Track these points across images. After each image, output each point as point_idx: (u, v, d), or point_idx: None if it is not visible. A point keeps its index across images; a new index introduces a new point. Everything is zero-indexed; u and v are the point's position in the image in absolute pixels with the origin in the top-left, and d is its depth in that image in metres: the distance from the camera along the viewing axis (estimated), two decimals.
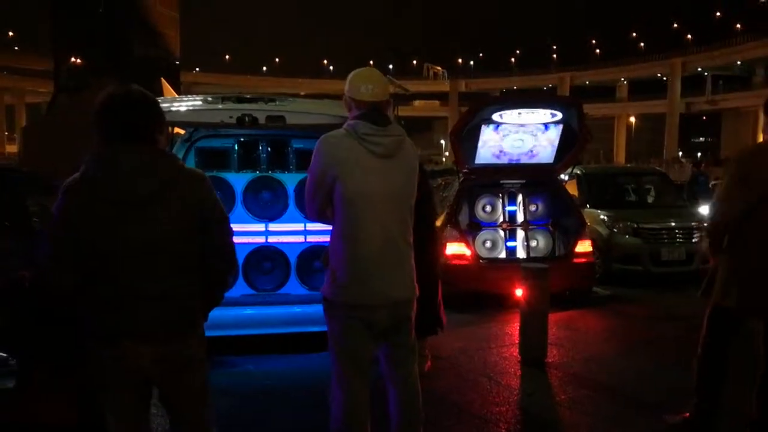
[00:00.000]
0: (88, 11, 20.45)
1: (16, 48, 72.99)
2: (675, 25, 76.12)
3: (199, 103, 4.72)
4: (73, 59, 22.23)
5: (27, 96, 71.36)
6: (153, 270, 2.16)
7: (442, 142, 71.61)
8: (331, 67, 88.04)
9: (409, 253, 2.75)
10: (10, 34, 76.28)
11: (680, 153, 60.97)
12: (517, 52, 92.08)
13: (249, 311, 5.04)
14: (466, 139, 6.92)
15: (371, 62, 66.54)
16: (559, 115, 6.89)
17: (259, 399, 4.17)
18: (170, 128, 4.82)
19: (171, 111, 4.54)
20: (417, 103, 79.02)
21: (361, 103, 2.67)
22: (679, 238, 8.23)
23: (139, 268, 2.14)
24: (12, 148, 55.98)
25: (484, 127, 6.84)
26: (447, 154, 60.66)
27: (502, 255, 7.29)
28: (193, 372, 2.30)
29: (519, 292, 4.97)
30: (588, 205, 8.67)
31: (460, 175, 7.48)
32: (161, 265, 2.17)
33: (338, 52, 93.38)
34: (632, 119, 71.84)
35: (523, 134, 7.02)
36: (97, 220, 2.11)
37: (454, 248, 6.89)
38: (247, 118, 4.44)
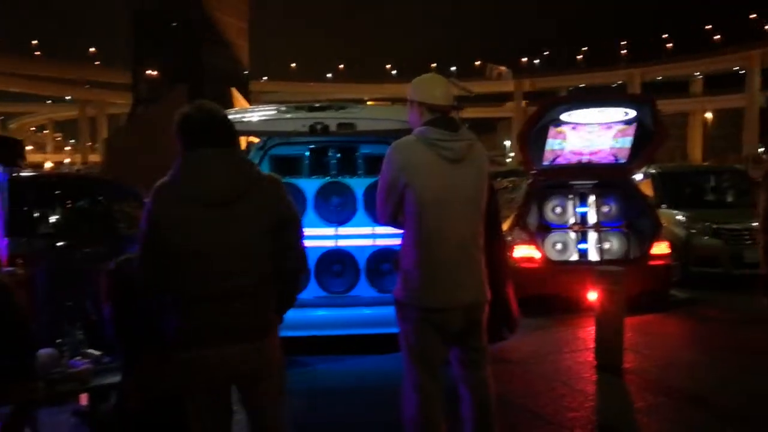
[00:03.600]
0: (163, 26, 21.36)
1: (97, 63, 77.21)
2: (753, 16, 72.20)
3: (273, 112, 4.89)
4: (148, 72, 23.27)
5: (108, 108, 75.41)
6: (230, 270, 2.23)
7: (506, 143, 70.57)
8: (394, 72, 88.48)
9: (479, 256, 2.76)
10: (92, 49, 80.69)
11: (761, 149, 57.72)
12: (584, 48, 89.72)
13: (321, 312, 5.16)
14: (535, 139, 6.82)
15: (434, 65, 66.41)
16: (632, 113, 6.69)
17: (331, 398, 4.26)
18: (246, 137, 5.02)
19: (245, 121, 4.74)
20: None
21: (436, 107, 2.70)
22: None
23: (218, 268, 2.22)
24: (95, 158, 59.17)
25: (552, 128, 6.73)
26: (512, 155, 59.72)
27: (574, 257, 7.14)
28: (270, 372, 2.36)
29: (592, 296, 4.87)
30: (664, 206, 8.36)
31: (529, 176, 7.38)
32: (238, 265, 2.24)
33: (400, 56, 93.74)
34: (708, 115, 68.61)
35: (593, 134, 6.87)
36: (180, 221, 2.21)
37: (523, 251, 6.80)
38: (318, 126, 4.56)
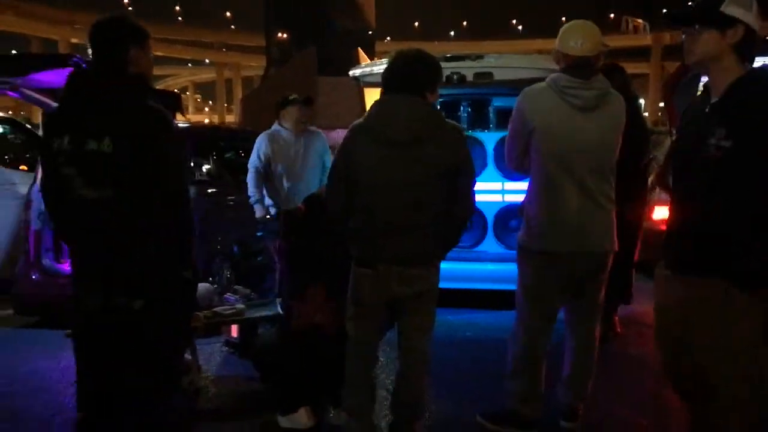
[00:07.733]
0: None
1: (232, 27, 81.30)
2: None
3: None
4: (280, 34, 24.07)
5: (243, 70, 79.41)
6: (407, 205, 2.44)
7: (642, 101, 66.02)
8: (520, 27, 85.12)
9: (608, 207, 2.74)
10: (228, 14, 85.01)
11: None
12: None
13: (447, 266, 5.19)
14: (682, 93, 6.30)
15: (563, 19, 62.84)
16: None
17: (461, 347, 4.33)
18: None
19: (376, 72, 4.79)
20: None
21: (570, 57, 2.68)
22: None
23: (396, 203, 2.43)
24: (231, 118, 62.75)
25: (704, 79, 6.17)
26: (646, 114, 55.85)
27: None
28: (429, 299, 2.60)
29: None
30: None
31: (674, 132, 6.87)
32: (414, 202, 2.44)
33: (527, 12, 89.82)
34: None
35: None
36: (369, 158, 2.45)
37: (664, 212, 6.40)
38: (455, 76, 4.53)
